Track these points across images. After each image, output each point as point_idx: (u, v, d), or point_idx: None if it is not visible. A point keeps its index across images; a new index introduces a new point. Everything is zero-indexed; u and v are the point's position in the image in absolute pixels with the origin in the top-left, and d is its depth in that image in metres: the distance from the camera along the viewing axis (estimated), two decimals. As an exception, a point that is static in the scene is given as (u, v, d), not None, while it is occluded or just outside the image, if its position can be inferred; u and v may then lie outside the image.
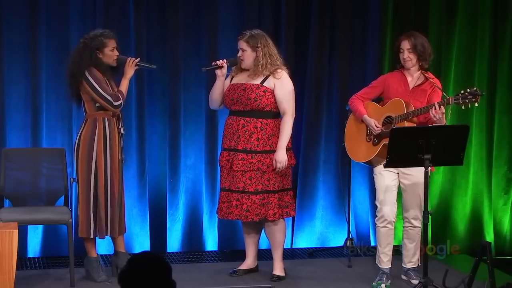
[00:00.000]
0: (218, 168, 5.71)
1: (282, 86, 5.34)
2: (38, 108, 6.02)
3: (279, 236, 5.48)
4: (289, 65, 6.22)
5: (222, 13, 6.29)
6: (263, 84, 5.32)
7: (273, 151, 5.32)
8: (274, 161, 5.30)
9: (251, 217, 5.33)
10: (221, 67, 5.42)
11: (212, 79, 5.54)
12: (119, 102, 5.28)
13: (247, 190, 5.32)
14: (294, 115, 5.39)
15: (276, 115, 5.39)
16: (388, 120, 5.26)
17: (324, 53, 6.45)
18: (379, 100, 5.48)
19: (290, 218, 6.35)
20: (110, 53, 5.32)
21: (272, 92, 5.33)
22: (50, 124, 6.06)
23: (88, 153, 5.27)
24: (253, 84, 5.34)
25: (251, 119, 5.33)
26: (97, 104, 5.28)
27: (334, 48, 6.47)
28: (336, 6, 6.44)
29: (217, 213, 5.59)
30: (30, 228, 5.96)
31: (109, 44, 5.30)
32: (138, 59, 5.43)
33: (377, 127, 5.27)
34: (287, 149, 5.36)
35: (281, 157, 5.31)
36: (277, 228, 5.45)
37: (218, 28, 6.28)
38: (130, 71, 5.39)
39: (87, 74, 5.23)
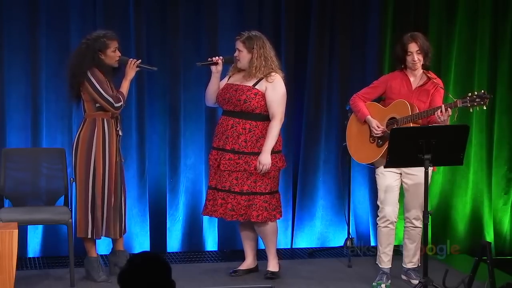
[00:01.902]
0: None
1: (274, 90, 5.32)
2: (38, 108, 6.01)
3: (270, 237, 5.49)
4: (289, 65, 6.25)
5: (222, 13, 6.29)
6: (255, 87, 5.32)
7: (259, 153, 5.32)
8: (258, 163, 5.30)
9: (235, 217, 5.35)
10: (216, 63, 5.42)
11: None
12: (119, 104, 5.29)
13: (232, 190, 5.33)
14: (282, 120, 5.36)
15: (266, 118, 5.36)
16: (392, 122, 5.26)
17: (324, 53, 6.45)
18: (379, 99, 5.48)
19: (290, 218, 6.37)
20: (112, 54, 5.33)
21: (263, 95, 5.32)
22: (50, 124, 6.06)
23: (86, 154, 5.27)
24: (245, 86, 5.34)
25: (240, 120, 5.33)
26: (97, 105, 5.28)
27: (334, 48, 6.47)
28: (336, 6, 6.44)
29: (202, 210, 5.58)
30: (30, 228, 5.96)
31: (111, 45, 5.31)
32: (140, 60, 5.44)
33: (378, 128, 5.27)
34: (277, 152, 5.36)
35: (265, 159, 5.29)
36: (265, 229, 5.45)
37: (218, 28, 6.28)
38: (131, 72, 5.39)
39: (89, 74, 5.24)
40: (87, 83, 5.24)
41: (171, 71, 6.23)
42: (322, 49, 6.44)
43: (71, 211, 5.55)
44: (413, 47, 5.24)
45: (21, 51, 5.99)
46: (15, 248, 4.64)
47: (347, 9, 6.46)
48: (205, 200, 5.51)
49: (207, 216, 5.69)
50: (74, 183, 5.48)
